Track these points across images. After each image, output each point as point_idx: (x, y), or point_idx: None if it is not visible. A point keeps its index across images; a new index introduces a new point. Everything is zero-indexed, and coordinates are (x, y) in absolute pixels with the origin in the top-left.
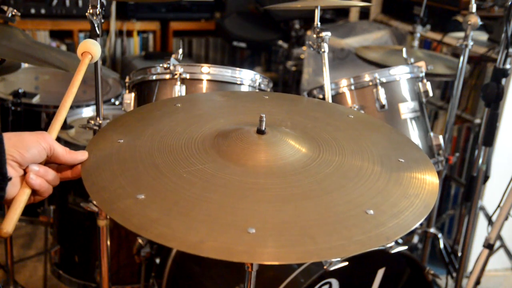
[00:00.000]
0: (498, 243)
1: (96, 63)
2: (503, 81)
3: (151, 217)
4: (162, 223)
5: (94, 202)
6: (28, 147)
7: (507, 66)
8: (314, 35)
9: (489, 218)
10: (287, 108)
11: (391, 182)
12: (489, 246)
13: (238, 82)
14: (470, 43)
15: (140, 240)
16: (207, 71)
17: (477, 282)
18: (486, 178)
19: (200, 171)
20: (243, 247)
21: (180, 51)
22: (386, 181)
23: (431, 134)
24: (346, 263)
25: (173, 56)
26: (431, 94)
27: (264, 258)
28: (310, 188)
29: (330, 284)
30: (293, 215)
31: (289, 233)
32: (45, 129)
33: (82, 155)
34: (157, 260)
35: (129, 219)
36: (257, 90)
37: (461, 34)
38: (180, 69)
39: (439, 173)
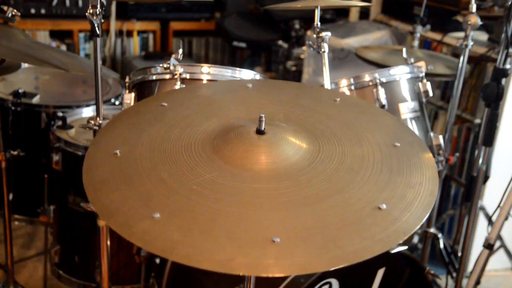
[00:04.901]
0: (498, 243)
1: (96, 63)
2: (503, 81)
3: (173, 239)
4: (186, 244)
5: None
6: None
7: (507, 66)
8: (314, 35)
9: (489, 218)
10: (273, 97)
11: (394, 172)
12: (489, 246)
13: None
14: (470, 43)
15: None
16: (207, 71)
17: (477, 282)
18: (486, 178)
19: (208, 181)
20: (272, 260)
21: (180, 51)
22: (389, 171)
23: (431, 134)
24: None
25: (173, 56)
26: (431, 94)
27: (295, 270)
28: (321, 188)
29: (330, 284)
30: (312, 220)
31: (313, 240)
32: (45, 129)
33: None
34: (157, 260)
35: (152, 243)
36: None
37: (461, 34)
38: (180, 69)
39: (439, 173)
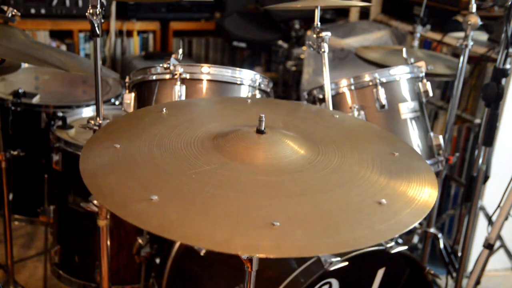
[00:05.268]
0: (498, 243)
1: (96, 63)
2: (503, 81)
3: (170, 218)
4: (184, 224)
5: (95, 202)
6: None
7: (507, 66)
8: (314, 35)
9: (489, 218)
10: (273, 110)
11: (393, 175)
12: (489, 246)
13: (238, 82)
14: (470, 43)
15: (140, 240)
16: (207, 71)
17: (477, 282)
18: (486, 178)
19: (208, 172)
20: (271, 242)
21: (180, 51)
22: (388, 174)
23: (431, 134)
24: (346, 263)
25: (173, 56)
26: (431, 94)
27: (295, 252)
28: (321, 183)
29: (330, 284)
30: (312, 208)
31: (314, 225)
32: (45, 129)
33: None
34: (157, 260)
35: (148, 222)
36: (258, 90)
37: (461, 34)
38: (180, 69)
39: (439, 173)
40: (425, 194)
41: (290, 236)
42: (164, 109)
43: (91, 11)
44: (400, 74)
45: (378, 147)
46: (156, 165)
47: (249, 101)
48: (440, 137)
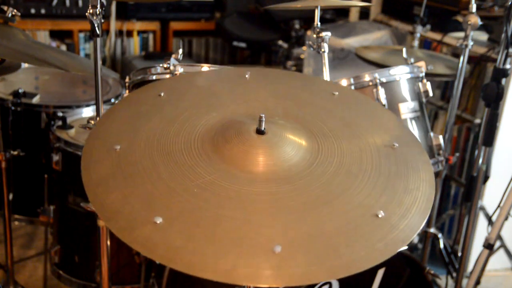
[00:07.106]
0: (498, 243)
1: (96, 63)
2: (503, 81)
3: (175, 245)
4: (189, 251)
5: None
6: None
7: (507, 66)
8: (314, 35)
9: (489, 218)
10: (272, 90)
11: (392, 176)
12: (489, 246)
13: None
14: (470, 43)
15: None
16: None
17: (477, 282)
18: (486, 178)
19: (209, 183)
20: (273, 270)
21: (180, 51)
22: (387, 175)
23: (431, 134)
24: None
25: (173, 56)
26: (431, 94)
27: (296, 281)
28: (320, 194)
29: (330, 284)
30: (313, 226)
31: (314, 247)
32: (45, 129)
33: None
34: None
35: (154, 250)
36: None
37: (461, 34)
38: (180, 69)
39: (439, 173)
40: (422, 199)
41: (290, 263)
42: (162, 93)
43: (91, 11)
44: (400, 74)
45: (379, 137)
46: (158, 175)
47: (247, 76)
48: (440, 137)
